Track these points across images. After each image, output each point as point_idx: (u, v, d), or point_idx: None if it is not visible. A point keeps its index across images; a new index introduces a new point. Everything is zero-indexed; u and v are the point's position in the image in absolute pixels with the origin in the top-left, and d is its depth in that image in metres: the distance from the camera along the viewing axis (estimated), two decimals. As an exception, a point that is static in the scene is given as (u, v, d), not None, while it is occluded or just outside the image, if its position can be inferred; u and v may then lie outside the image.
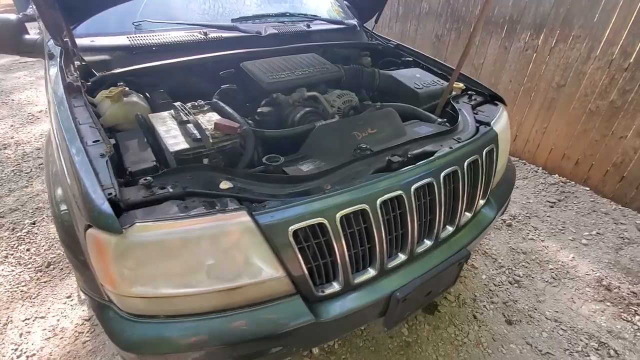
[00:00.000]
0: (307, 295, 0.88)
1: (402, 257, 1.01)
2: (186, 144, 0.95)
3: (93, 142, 0.92)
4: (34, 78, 4.97)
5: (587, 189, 2.65)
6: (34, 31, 1.61)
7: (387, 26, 4.14)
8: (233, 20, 1.59)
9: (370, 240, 0.93)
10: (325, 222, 0.83)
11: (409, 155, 1.01)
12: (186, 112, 1.08)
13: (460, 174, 1.07)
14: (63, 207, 0.96)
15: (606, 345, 1.65)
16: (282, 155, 1.00)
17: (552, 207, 2.55)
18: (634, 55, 2.20)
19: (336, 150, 1.05)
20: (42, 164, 2.91)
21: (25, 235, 2.19)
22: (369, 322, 1.41)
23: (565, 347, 1.64)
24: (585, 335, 1.69)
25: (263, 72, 1.28)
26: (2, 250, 2.08)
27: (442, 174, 1.02)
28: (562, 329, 1.73)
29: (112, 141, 0.97)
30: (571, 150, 2.65)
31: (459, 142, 1.14)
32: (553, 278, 2.04)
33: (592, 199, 2.58)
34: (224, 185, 0.86)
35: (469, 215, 1.19)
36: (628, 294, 1.90)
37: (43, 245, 2.13)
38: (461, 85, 1.56)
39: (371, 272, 0.97)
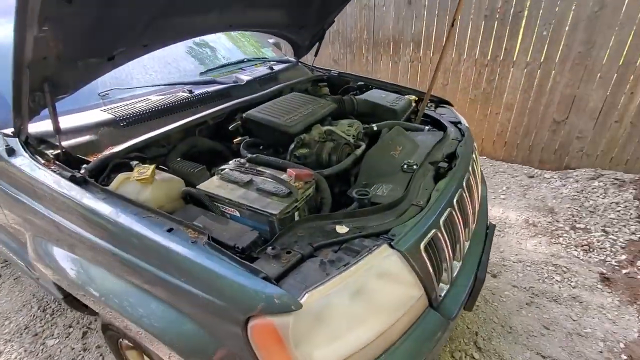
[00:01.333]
0: (433, 304, 0.95)
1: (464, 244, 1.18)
2: (281, 203, 0.90)
3: (167, 230, 0.79)
4: None
5: (484, 157, 3.40)
6: None
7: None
8: (201, 74, 1.51)
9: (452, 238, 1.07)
10: (437, 231, 0.93)
11: (445, 160, 1.20)
12: (247, 171, 1.02)
13: (472, 171, 1.31)
14: None
15: (558, 265, 2.18)
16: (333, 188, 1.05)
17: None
18: (489, 54, 2.99)
19: (388, 171, 1.15)
20: None
21: None
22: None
23: (537, 278, 2.10)
24: (542, 264, 2.19)
25: (276, 117, 1.28)
26: None
27: (466, 177, 1.22)
28: (527, 266, 2.20)
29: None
30: (466, 131, 3.38)
31: (459, 142, 1.39)
32: (498, 231, 2.55)
33: (491, 164, 3.33)
34: (341, 229, 0.86)
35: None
36: (547, 224, 2.55)
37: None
38: (414, 97, 1.87)
39: (457, 265, 1.10)
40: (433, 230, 0.92)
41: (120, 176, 0.98)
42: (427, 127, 1.54)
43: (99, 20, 0.94)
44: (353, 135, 1.36)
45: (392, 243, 0.83)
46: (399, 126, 1.39)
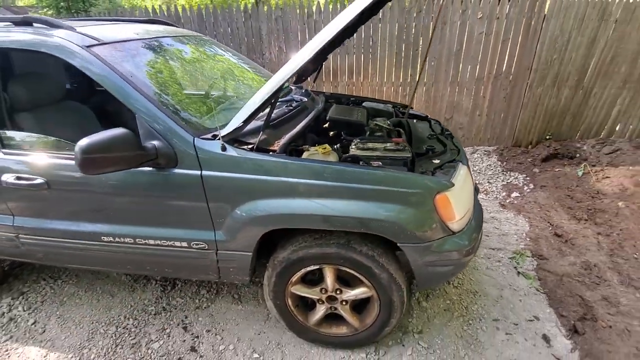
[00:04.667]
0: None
1: None
2: (405, 152, 1.67)
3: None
4: None
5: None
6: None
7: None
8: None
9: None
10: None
11: (440, 133, 2.18)
12: (369, 144, 1.76)
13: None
14: None
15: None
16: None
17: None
18: (400, 78, 4.31)
19: (424, 138, 2.05)
20: None
21: None
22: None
23: (513, 243, 3.26)
24: (514, 236, 3.37)
25: (349, 117, 2.03)
26: None
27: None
28: (502, 233, 3.34)
29: None
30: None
31: (439, 124, 2.40)
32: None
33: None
34: (436, 161, 1.71)
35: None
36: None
37: None
38: (390, 104, 2.85)
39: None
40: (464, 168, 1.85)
41: (306, 152, 1.58)
42: (414, 120, 2.52)
43: None
44: (388, 124, 2.21)
45: (461, 162, 1.72)
46: (411, 121, 2.33)
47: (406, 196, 1.45)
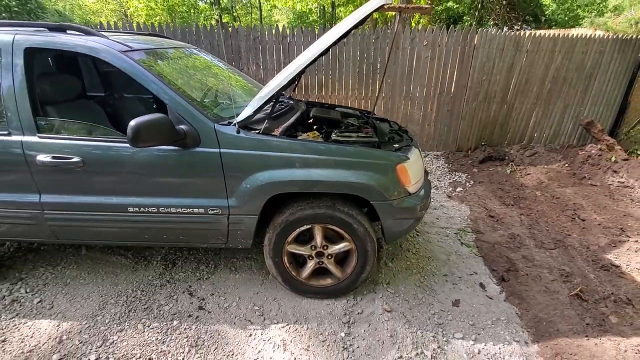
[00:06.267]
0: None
1: None
2: (373, 136, 2.22)
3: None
4: None
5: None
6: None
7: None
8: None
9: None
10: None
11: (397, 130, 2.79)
12: (345, 133, 2.29)
13: None
14: None
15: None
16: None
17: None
18: (363, 93, 4.99)
19: (386, 132, 2.63)
20: None
21: None
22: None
23: (457, 223, 3.93)
24: (459, 219, 4.05)
25: (328, 115, 2.57)
26: None
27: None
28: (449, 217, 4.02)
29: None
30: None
31: (403, 128, 3.03)
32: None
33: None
34: (397, 144, 2.29)
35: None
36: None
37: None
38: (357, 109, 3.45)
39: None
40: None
41: (300, 137, 2.07)
42: (377, 121, 3.12)
43: None
44: (359, 122, 2.78)
45: (414, 145, 2.31)
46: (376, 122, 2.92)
47: (376, 166, 1.99)
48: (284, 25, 4.63)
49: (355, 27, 1.95)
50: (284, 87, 1.95)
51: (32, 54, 1.92)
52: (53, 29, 2.02)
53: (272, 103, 2.08)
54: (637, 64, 5.06)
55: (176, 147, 1.90)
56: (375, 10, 1.87)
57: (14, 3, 20.16)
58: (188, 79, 2.30)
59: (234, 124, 1.94)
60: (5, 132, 1.93)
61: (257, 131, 1.98)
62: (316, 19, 22.49)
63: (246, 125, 2.00)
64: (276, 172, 1.94)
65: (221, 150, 1.91)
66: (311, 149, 1.94)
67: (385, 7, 1.90)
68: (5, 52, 1.88)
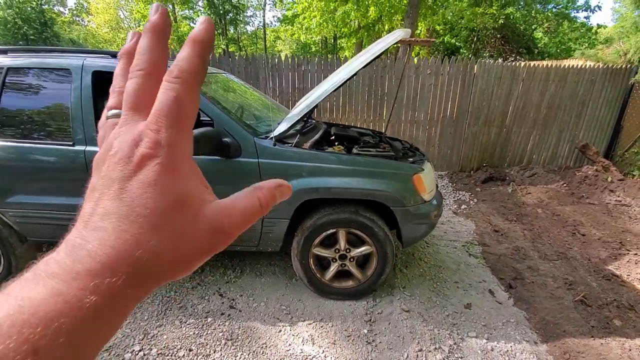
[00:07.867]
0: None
1: None
2: (391, 151, 2.49)
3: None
4: None
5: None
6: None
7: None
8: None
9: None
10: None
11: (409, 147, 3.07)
12: (366, 148, 2.56)
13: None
14: None
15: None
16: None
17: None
18: (371, 116, 5.33)
19: (400, 150, 2.91)
20: None
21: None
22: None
23: (464, 237, 4.16)
24: (465, 233, 4.30)
25: (348, 133, 2.85)
26: None
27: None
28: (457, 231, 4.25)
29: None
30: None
31: (415, 147, 3.31)
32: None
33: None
34: (412, 158, 2.56)
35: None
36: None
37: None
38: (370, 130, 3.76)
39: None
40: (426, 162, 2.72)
41: (329, 149, 2.34)
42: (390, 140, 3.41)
43: None
44: (375, 140, 3.06)
45: (426, 159, 2.57)
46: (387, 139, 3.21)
47: (395, 176, 2.24)
48: (299, 55, 5.05)
49: (378, 56, 2.27)
50: (313, 109, 2.24)
51: (98, 77, 2.23)
52: (115, 55, 2.34)
53: (302, 121, 2.37)
54: (627, 91, 5.45)
55: (220, 157, 2.16)
56: (396, 43, 2.20)
57: (31, 32, 21.23)
58: (226, 98, 2.61)
59: (271, 138, 2.21)
60: (70, 143, 2.20)
61: (290, 144, 2.25)
62: (319, 49, 23.59)
63: (280, 139, 2.28)
64: (308, 180, 2.19)
65: (259, 160, 2.17)
66: (338, 160, 2.20)
67: (403, 39, 2.23)
68: (76, 74, 2.19)
